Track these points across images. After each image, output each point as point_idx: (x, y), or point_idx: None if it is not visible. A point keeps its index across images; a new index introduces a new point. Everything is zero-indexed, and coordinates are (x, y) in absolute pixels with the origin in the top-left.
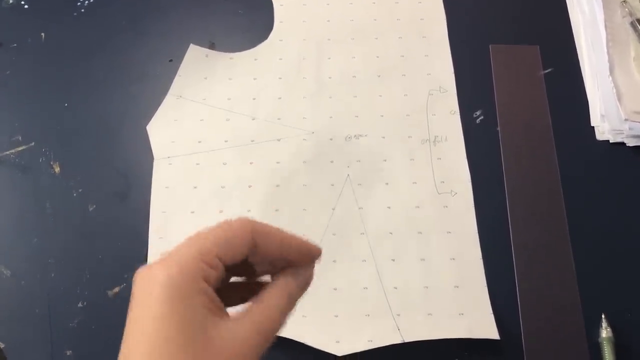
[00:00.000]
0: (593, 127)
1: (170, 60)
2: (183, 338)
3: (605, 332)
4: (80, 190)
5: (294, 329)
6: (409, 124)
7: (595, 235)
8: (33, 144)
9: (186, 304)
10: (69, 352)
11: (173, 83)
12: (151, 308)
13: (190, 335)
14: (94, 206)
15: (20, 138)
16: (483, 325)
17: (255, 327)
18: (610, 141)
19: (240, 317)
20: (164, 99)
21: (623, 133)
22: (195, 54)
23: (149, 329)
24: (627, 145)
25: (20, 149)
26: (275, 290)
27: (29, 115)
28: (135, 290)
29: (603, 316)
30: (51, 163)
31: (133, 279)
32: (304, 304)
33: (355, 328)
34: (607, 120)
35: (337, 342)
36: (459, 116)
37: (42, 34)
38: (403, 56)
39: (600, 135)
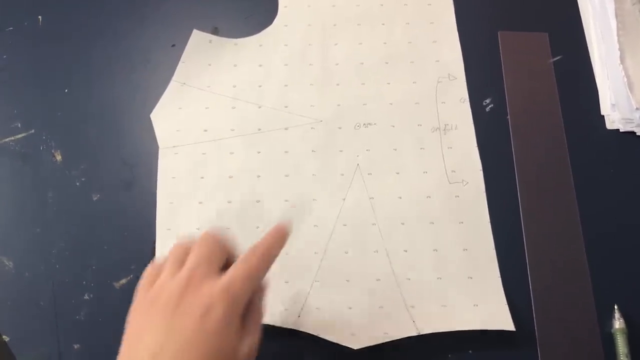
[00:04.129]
0: (603, 115)
1: (173, 46)
2: None
3: (618, 323)
4: (83, 180)
5: (308, 322)
6: (418, 112)
7: (606, 225)
8: (33, 131)
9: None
10: (76, 346)
11: (176, 70)
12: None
13: None
14: (98, 196)
15: (19, 125)
16: (498, 317)
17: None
18: (621, 130)
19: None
20: (167, 85)
21: (633, 122)
22: (198, 39)
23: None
24: (637, 134)
25: (19, 136)
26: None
27: (28, 102)
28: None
29: (616, 307)
30: (52, 151)
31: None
32: (317, 296)
33: (370, 320)
34: (617, 109)
35: (353, 334)
36: (469, 104)
37: (39, 17)
38: (411, 42)
39: (610, 124)
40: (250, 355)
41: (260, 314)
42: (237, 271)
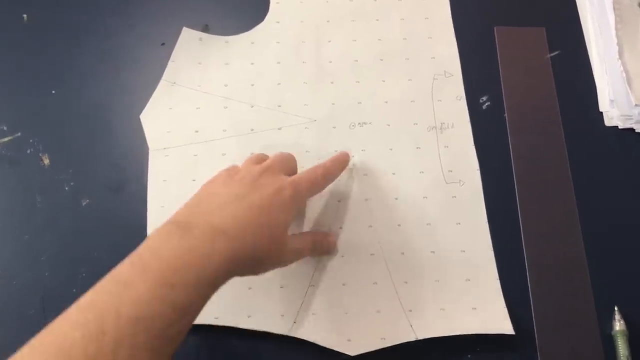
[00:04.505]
0: (601, 112)
1: (163, 44)
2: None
3: (618, 325)
4: (72, 184)
5: (304, 329)
6: (414, 111)
7: (606, 225)
8: (19, 134)
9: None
10: None
11: (166, 69)
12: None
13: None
14: (87, 200)
15: (5, 128)
16: (497, 320)
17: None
18: (619, 127)
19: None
20: (157, 85)
21: (632, 119)
22: (188, 37)
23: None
24: (636, 131)
25: (5, 139)
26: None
27: (14, 104)
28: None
29: (616, 308)
30: (40, 155)
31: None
32: (313, 301)
33: (367, 326)
34: (616, 105)
35: (349, 340)
36: (466, 102)
37: (24, 15)
38: (406, 39)
39: (608, 121)
40: (297, 254)
41: (310, 240)
42: (303, 175)
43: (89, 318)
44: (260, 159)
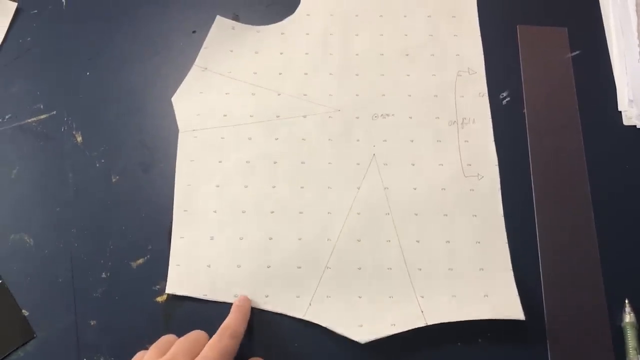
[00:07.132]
0: (620, 111)
1: (194, 32)
2: None
3: (628, 317)
4: (102, 161)
5: (319, 311)
6: (436, 105)
7: (619, 220)
8: (55, 112)
9: None
10: (93, 322)
11: (199, 55)
12: None
13: None
14: (117, 177)
15: (41, 106)
16: (508, 306)
17: None
18: (638, 126)
19: None
20: (187, 71)
21: None
22: (221, 25)
23: None
24: None
25: (41, 117)
26: None
27: (51, 83)
28: None
29: (627, 300)
30: (73, 133)
31: None
32: (329, 283)
33: (379, 311)
34: (635, 105)
35: (360, 326)
36: (488, 98)
37: (63, 0)
38: (432, 35)
39: (627, 121)
40: None
41: None
42: (212, 352)
43: None
44: (165, 344)
